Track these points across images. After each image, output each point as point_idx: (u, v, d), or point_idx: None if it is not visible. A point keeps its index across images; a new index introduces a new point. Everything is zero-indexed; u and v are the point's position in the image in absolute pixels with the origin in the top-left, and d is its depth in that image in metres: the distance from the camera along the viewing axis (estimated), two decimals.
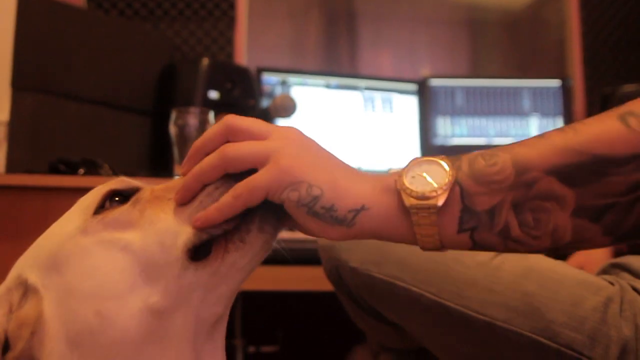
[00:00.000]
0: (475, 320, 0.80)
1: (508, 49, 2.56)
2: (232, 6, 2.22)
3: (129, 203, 0.58)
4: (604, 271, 0.90)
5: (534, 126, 2.13)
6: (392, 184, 0.54)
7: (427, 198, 0.51)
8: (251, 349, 2.01)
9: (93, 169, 1.48)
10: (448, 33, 2.52)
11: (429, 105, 2.12)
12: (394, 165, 1.84)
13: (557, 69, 2.43)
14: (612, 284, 0.79)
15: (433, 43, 2.49)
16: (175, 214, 0.56)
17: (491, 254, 0.83)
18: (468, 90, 2.14)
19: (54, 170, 1.50)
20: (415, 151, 2.10)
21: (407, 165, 0.54)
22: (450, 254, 0.84)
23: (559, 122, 2.13)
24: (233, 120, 0.58)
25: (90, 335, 0.52)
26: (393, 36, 2.48)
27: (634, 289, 0.78)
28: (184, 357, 0.55)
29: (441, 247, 0.53)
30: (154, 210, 0.56)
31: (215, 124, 0.58)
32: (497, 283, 0.80)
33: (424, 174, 0.53)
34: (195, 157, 0.58)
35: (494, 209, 0.51)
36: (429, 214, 0.52)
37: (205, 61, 1.83)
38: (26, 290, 0.55)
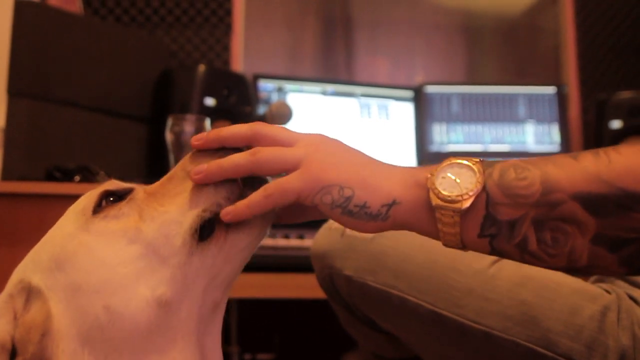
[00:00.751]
0: (472, 330, 0.80)
1: (503, 56, 2.57)
2: (228, 13, 2.22)
3: (126, 201, 0.59)
4: (599, 279, 0.90)
5: (529, 133, 2.13)
6: (423, 180, 0.56)
7: (453, 201, 0.53)
8: (247, 356, 2.01)
9: (89, 176, 1.48)
10: (444, 40, 2.52)
11: (425, 112, 2.13)
12: None
13: (553, 76, 2.44)
14: (608, 292, 0.79)
15: (429, 50, 2.50)
16: (175, 205, 0.58)
17: (487, 262, 0.83)
18: (464, 97, 2.15)
19: (49, 177, 1.50)
20: (411, 158, 2.10)
21: (441, 164, 0.56)
22: (446, 262, 0.84)
23: (555, 129, 2.13)
24: (260, 127, 0.60)
25: (99, 330, 0.53)
26: (389, 43, 2.48)
27: (631, 298, 0.78)
28: (190, 347, 0.56)
29: (462, 246, 0.55)
30: (152, 205, 0.58)
31: (244, 125, 0.60)
32: (493, 292, 0.80)
33: (454, 177, 0.55)
34: (214, 143, 0.60)
35: (516, 221, 0.52)
36: (453, 214, 0.53)
37: (201, 68, 1.83)
38: (29, 293, 0.56)
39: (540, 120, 2.14)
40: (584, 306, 0.76)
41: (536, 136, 2.13)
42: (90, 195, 0.60)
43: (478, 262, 0.83)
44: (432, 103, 2.13)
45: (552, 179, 0.52)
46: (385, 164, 0.59)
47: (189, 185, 0.59)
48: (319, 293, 1.02)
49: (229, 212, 0.56)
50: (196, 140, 0.60)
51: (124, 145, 1.80)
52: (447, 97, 2.14)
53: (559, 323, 0.76)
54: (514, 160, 0.55)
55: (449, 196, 0.53)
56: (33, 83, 1.59)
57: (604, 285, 0.81)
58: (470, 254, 0.83)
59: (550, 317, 0.76)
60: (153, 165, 1.81)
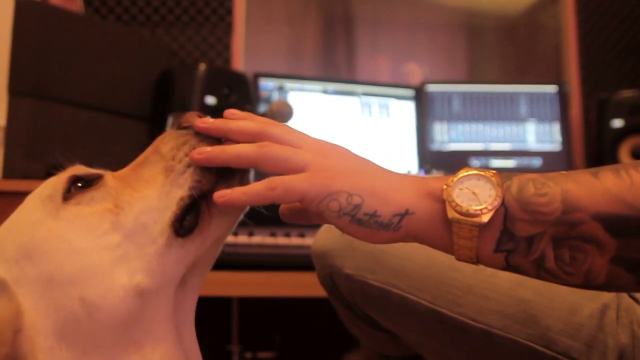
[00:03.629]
0: (472, 328, 0.80)
1: (505, 55, 2.57)
2: (229, 12, 2.22)
3: (96, 187, 0.56)
4: None
5: (530, 132, 2.13)
6: (438, 191, 0.54)
7: (471, 215, 0.52)
8: (248, 354, 2.01)
9: None
10: (445, 38, 2.52)
11: (426, 111, 2.12)
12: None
13: (554, 75, 2.44)
14: None
15: (430, 48, 2.50)
16: (152, 190, 0.55)
17: None
18: (465, 96, 2.14)
19: (50, 175, 1.49)
20: (412, 157, 2.10)
21: (457, 175, 0.55)
22: (446, 260, 0.84)
23: (556, 128, 2.13)
24: (269, 126, 0.58)
25: (76, 323, 0.50)
26: (390, 42, 2.48)
27: (630, 296, 0.78)
28: (167, 336, 0.54)
29: (476, 261, 0.54)
30: (127, 191, 0.56)
31: (252, 122, 0.58)
32: (492, 290, 0.80)
33: (472, 189, 0.53)
34: (217, 132, 0.59)
35: (534, 237, 0.51)
36: (471, 228, 0.52)
37: (202, 66, 1.83)
38: None
39: (541, 119, 2.14)
40: (583, 304, 0.76)
41: (537, 135, 2.13)
42: (56, 180, 0.58)
43: None
44: (433, 102, 2.13)
45: (573, 197, 0.51)
46: (395, 173, 0.58)
47: (162, 168, 0.57)
48: (320, 291, 1.02)
49: (224, 195, 0.54)
50: (202, 122, 0.59)
51: (124, 144, 1.80)
52: (448, 96, 2.14)
53: (558, 321, 0.76)
54: (533, 174, 0.54)
55: (467, 210, 0.52)
56: (34, 82, 1.59)
57: None
58: None
59: (549, 315, 0.76)
60: None
